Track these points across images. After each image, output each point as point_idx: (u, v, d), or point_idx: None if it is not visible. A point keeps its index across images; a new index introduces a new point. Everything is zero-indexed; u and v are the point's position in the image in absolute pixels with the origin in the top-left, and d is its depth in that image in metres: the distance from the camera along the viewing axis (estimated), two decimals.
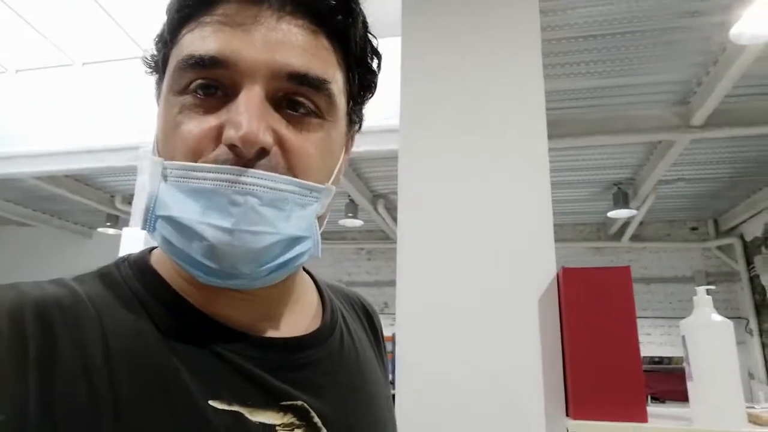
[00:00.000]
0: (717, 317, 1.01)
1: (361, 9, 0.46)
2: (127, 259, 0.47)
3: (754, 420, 1.01)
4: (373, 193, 5.63)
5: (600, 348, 1.06)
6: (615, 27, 2.87)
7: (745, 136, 3.79)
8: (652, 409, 1.02)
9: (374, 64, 0.49)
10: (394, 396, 1.30)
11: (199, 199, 0.38)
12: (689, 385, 1.03)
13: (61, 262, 6.80)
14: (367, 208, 5.65)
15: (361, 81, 0.49)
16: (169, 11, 0.44)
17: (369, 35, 0.48)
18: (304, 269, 0.55)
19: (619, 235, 6.36)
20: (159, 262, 0.46)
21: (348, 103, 0.48)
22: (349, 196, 5.43)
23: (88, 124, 4.60)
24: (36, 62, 4.89)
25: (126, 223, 4.61)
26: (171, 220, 0.39)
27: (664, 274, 6.41)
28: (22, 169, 4.57)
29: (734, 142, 4.09)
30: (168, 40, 0.44)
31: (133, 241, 4.14)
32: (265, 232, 0.39)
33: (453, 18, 1.53)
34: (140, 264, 0.46)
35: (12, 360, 0.34)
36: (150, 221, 0.41)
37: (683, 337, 1.03)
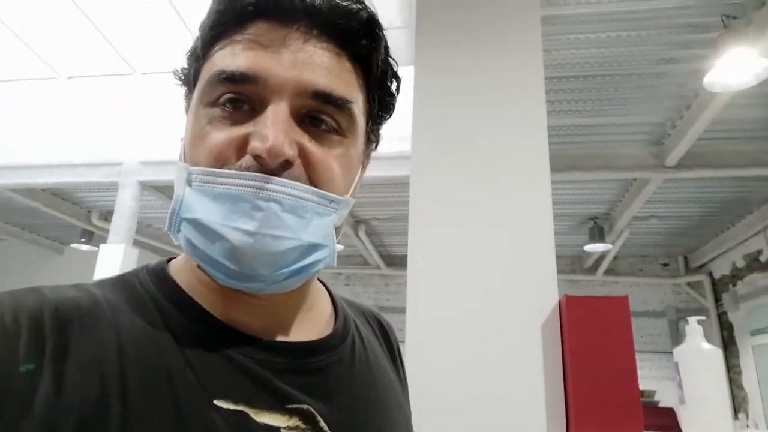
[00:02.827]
0: (707, 345, 1.08)
1: (383, 34, 0.48)
2: (146, 267, 0.49)
3: None
4: (355, 219, 5.67)
5: (599, 371, 1.11)
6: (596, 69, 3.02)
7: (714, 177, 3.98)
8: None
9: (393, 87, 0.51)
10: None
11: (223, 203, 0.40)
12: (681, 408, 1.08)
13: (29, 276, 6.59)
14: (348, 233, 5.67)
15: (381, 102, 0.51)
16: (202, 29, 0.46)
17: (390, 59, 0.50)
18: (319, 281, 0.57)
19: (593, 268, 6.51)
20: (177, 271, 0.48)
21: (367, 122, 0.50)
22: None
23: (70, 138, 4.55)
24: (19, 74, 4.83)
25: (102, 240, 4.52)
26: (195, 223, 0.41)
27: (636, 308, 6.56)
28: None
29: (704, 183, 4.29)
30: (200, 55, 0.46)
31: (110, 257, 4.07)
32: (285, 236, 0.41)
33: (463, 53, 1.62)
34: (158, 271, 0.48)
35: (29, 357, 0.36)
36: (175, 223, 0.43)
37: (676, 363, 1.09)
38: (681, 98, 3.24)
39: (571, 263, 6.76)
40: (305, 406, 0.44)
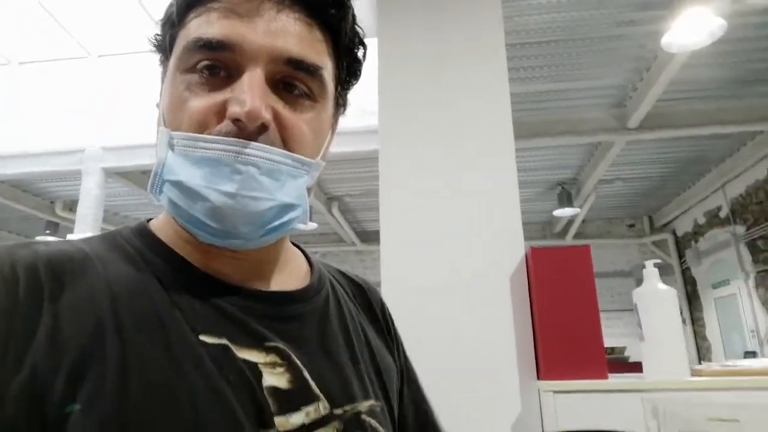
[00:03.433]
0: (663, 286, 1.15)
1: (351, 4, 0.51)
2: (127, 227, 0.51)
3: (695, 373, 1.15)
4: (327, 196, 5.66)
5: (565, 317, 1.17)
6: (558, 34, 3.05)
7: (673, 137, 4.11)
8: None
9: (360, 54, 0.54)
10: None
11: (204, 167, 0.43)
12: (642, 345, 1.15)
13: None
14: (321, 210, 5.66)
15: (349, 69, 0.54)
16: None
17: (357, 28, 0.53)
18: (296, 246, 0.60)
19: (563, 233, 6.68)
20: (158, 228, 0.51)
21: (336, 88, 0.53)
22: None
23: (27, 126, 4.39)
24: None
25: (69, 231, 4.41)
26: (178, 184, 0.44)
27: (605, 269, 6.78)
28: None
29: (665, 143, 4.42)
30: (175, 22, 0.48)
31: None
32: (263, 198, 0.44)
33: (424, 21, 1.63)
34: (140, 229, 0.51)
35: (29, 300, 0.39)
36: (157, 185, 0.45)
37: (635, 304, 1.16)
38: (641, 60, 3.31)
39: (541, 229, 6.92)
40: (281, 344, 0.47)
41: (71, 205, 5.41)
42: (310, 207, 5.71)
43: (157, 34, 0.51)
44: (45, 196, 5.60)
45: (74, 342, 0.38)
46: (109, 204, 5.07)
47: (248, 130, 0.43)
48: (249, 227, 0.44)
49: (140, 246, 0.48)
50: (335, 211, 5.75)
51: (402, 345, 0.66)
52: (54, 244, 0.45)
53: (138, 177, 4.79)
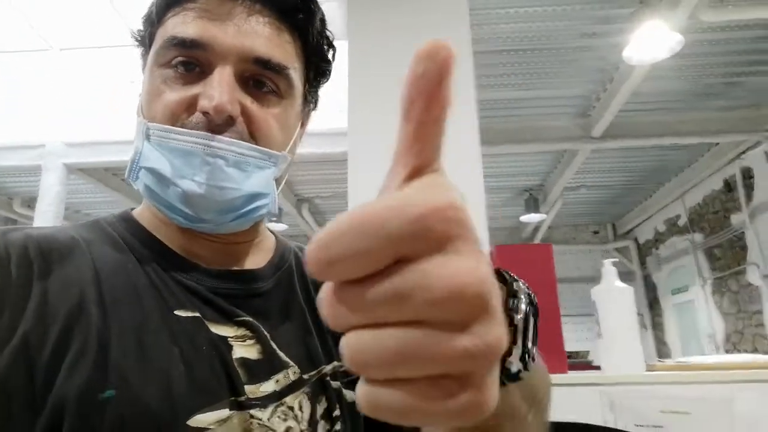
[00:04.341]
0: (620, 284, 1.20)
1: (319, 8, 0.55)
2: (111, 215, 0.56)
3: (650, 368, 1.20)
4: (298, 197, 5.63)
5: None
6: (525, 44, 3.12)
7: (635, 147, 4.24)
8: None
9: (329, 55, 0.58)
10: None
11: (177, 157, 0.47)
12: (599, 342, 1.19)
13: None
14: (291, 212, 5.62)
15: (317, 68, 0.58)
16: None
17: (326, 31, 0.57)
18: (271, 232, 0.63)
19: (530, 239, 6.80)
20: (140, 214, 0.56)
21: (304, 86, 0.56)
22: None
23: None
24: None
25: None
26: (152, 171, 0.48)
27: (570, 274, 6.92)
28: None
29: (627, 153, 4.55)
30: (155, 20, 0.52)
31: None
32: (229, 188, 0.48)
33: (393, 27, 1.65)
34: (123, 215, 0.55)
35: (20, 276, 0.43)
36: (134, 171, 0.50)
37: (594, 302, 1.20)
38: (604, 72, 3.41)
39: (509, 234, 7.03)
40: (250, 318, 0.50)
41: (30, 202, 5.22)
42: (280, 208, 5.66)
43: (140, 30, 0.55)
44: (2, 192, 5.39)
45: (60, 313, 0.42)
46: (70, 201, 4.92)
47: (215, 122, 0.47)
48: (215, 214, 0.49)
49: (122, 231, 0.52)
50: (305, 212, 5.72)
51: None
52: (44, 229, 0.50)
53: (101, 174, 4.66)
